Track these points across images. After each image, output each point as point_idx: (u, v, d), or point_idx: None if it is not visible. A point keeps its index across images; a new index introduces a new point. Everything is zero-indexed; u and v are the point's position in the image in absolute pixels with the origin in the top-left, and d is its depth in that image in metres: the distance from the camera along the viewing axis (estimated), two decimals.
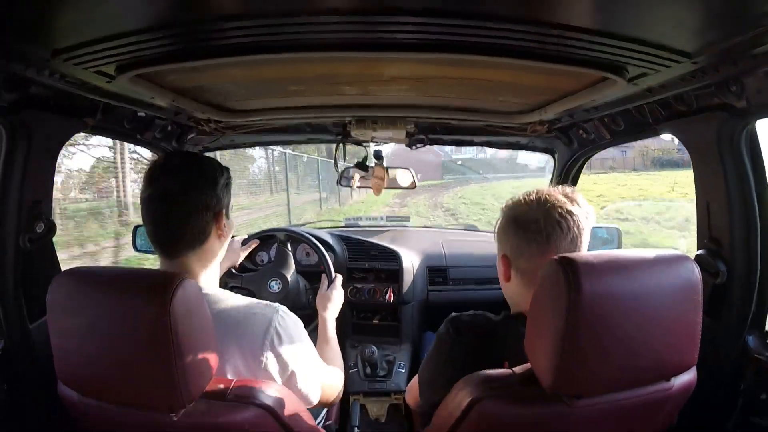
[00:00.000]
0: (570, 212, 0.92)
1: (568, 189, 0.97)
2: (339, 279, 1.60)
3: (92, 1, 0.71)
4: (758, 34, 0.76)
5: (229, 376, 0.86)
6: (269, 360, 0.89)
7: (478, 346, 0.91)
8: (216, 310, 0.88)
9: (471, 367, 0.84)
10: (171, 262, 0.92)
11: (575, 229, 0.92)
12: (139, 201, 0.94)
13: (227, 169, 0.98)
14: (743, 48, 0.82)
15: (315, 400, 1.02)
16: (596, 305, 0.71)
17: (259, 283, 1.74)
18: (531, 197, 0.96)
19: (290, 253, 1.83)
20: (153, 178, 0.90)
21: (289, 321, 0.94)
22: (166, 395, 0.73)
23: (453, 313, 0.97)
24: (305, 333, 0.99)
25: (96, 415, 0.82)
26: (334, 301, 1.50)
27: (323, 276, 1.62)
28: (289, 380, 0.93)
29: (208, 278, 0.96)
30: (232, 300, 0.93)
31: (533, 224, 0.92)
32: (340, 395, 1.18)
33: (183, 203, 0.90)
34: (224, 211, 0.96)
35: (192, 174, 0.92)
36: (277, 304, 0.95)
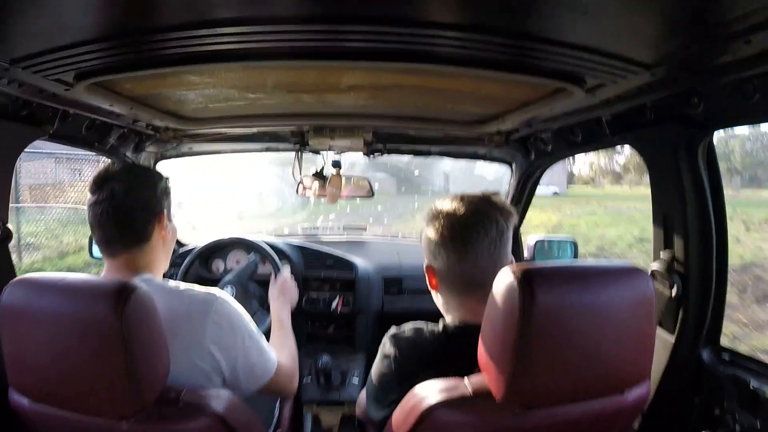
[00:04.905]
0: (487, 213, 0.90)
1: (489, 191, 0.95)
2: (286, 269, 1.63)
3: (50, 10, 0.71)
4: (716, 46, 0.78)
5: (175, 367, 0.86)
6: (212, 345, 0.92)
7: (422, 362, 0.89)
8: (164, 299, 0.91)
9: (416, 383, 0.83)
10: (115, 260, 0.96)
11: (494, 231, 0.90)
12: None
13: (167, 177, 1.05)
14: (702, 59, 0.83)
15: (269, 374, 1.04)
16: (549, 316, 0.71)
17: None
18: (446, 204, 0.94)
19: (254, 266, 1.84)
20: (99, 185, 0.96)
21: (228, 306, 0.97)
22: (117, 402, 0.73)
23: (393, 328, 0.95)
24: (246, 315, 1.02)
25: (47, 421, 0.81)
26: (282, 290, 1.51)
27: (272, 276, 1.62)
28: (236, 362, 0.96)
29: (155, 275, 1.01)
30: (174, 288, 0.97)
31: (449, 231, 0.91)
32: (296, 383, 1.18)
33: (126, 202, 0.95)
34: (165, 213, 1.02)
35: (134, 178, 0.99)
36: (216, 290, 0.98)
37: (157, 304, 0.85)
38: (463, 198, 0.94)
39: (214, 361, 0.93)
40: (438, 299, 1.00)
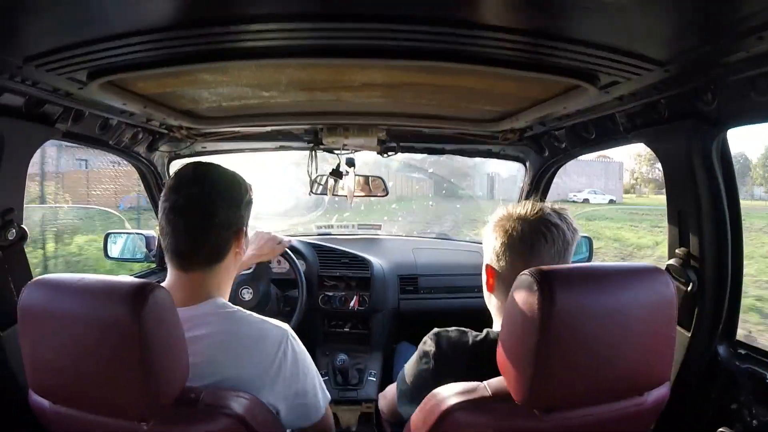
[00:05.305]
0: (556, 225, 0.93)
1: (557, 205, 0.98)
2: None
3: (64, 7, 0.71)
4: (729, 42, 0.77)
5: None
6: (279, 380, 0.89)
7: (460, 365, 0.90)
8: (235, 328, 0.89)
9: (449, 383, 0.83)
10: (185, 275, 0.90)
11: (560, 243, 0.92)
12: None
13: (251, 186, 0.97)
14: (715, 56, 0.83)
15: (318, 417, 0.99)
16: (570, 319, 0.71)
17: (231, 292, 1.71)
18: (519, 208, 0.97)
19: (266, 264, 1.84)
20: (178, 187, 0.89)
21: (296, 344, 0.93)
22: (136, 404, 0.73)
23: (436, 328, 0.95)
24: (309, 356, 0.97)
25: (67, 423, 0.81)
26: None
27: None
28: (295, 400, 0.92)
29: (224, 296, 0.95)
30: (247, 318, 0.91)
31: (518, 233, 0.93)
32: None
33: (206, 215, 0.88)
34: (245, 229, 0.95)
35: (218, 187, 0.91)
36: (286, 326, 0.94)
37: (225, 329, 0.86)
38: (535, 206, 0.97)
39: (273, 395, 0.89)
40: (491, 301, 1.01)
